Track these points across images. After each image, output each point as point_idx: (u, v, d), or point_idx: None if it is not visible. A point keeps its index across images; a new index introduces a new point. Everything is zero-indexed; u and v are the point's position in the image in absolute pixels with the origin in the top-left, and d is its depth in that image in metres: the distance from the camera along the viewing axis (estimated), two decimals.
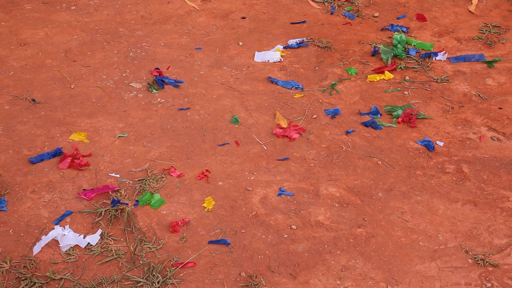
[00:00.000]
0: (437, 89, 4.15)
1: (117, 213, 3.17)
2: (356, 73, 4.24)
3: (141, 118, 3.83)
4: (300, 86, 4.09)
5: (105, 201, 3.25)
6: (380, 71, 4.28)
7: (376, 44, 4.53)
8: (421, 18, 4.85)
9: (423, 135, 3.76)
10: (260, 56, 4.39)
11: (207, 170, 3.43)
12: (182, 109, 3.90)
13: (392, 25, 4.74)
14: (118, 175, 3.41)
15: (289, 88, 4.09)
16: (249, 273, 2.93)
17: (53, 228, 3.08)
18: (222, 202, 3.28)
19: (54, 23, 4.70)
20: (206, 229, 3.13)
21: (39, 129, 3.71)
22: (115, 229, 3.12)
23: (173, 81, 4.09)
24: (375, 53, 4.42)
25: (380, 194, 3.36)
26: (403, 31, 4.64)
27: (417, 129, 3.80)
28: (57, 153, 3.51)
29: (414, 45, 4.52)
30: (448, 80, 4.22)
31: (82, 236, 3.05)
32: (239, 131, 3.76)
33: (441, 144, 3.66)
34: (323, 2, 5.07)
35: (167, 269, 2.92)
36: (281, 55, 4.39)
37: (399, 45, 4.38)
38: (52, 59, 4.32)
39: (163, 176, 3.41)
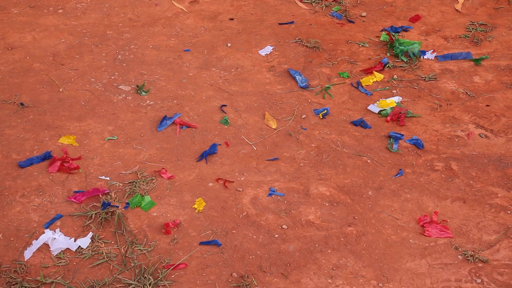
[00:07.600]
0: (425, 87, 4.17)
1: (108, 216, 3.16)
2: (348, 77, 4.25)
3: (130, 120, 3.82)
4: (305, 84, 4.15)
5: (95, 204, 3.24)
6: (368, 71, 4.29)
7: (364, 43, 4.55)
8: (413, 19, 4.86)
9: (411, 133, 3.78)
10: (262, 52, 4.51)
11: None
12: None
13: (392, 26, 4.74)
14: (108, 178, 3.40)
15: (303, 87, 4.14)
16: (240, 274, 2.93)
17: (44, 232, 3.07)
18: (213, 203, 3.28)
19: (42, 27, 4.69)
20: (197, 230, 3.13)
21: (28, 133, 3.69)
22: (105, 232, 3.11)
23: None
24: (386, 63, 4.34)
25: (370, 192, 3.38)
26: (397, 32, 4.66)
27: (406, 127, 3.82)
28: (46, 156, 3.50)
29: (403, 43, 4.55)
30: (435, 78, 4.25)
31: (72, 239, 3.04)
32: (229, 132, 3.76)
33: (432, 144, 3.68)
34: (310, 3, 5.09)
35: (159, 271, 2.92)
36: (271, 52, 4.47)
37: (397, 45, 4.41)
38: (40, 62, 4.31)
39: (153, 178, 3.41)
